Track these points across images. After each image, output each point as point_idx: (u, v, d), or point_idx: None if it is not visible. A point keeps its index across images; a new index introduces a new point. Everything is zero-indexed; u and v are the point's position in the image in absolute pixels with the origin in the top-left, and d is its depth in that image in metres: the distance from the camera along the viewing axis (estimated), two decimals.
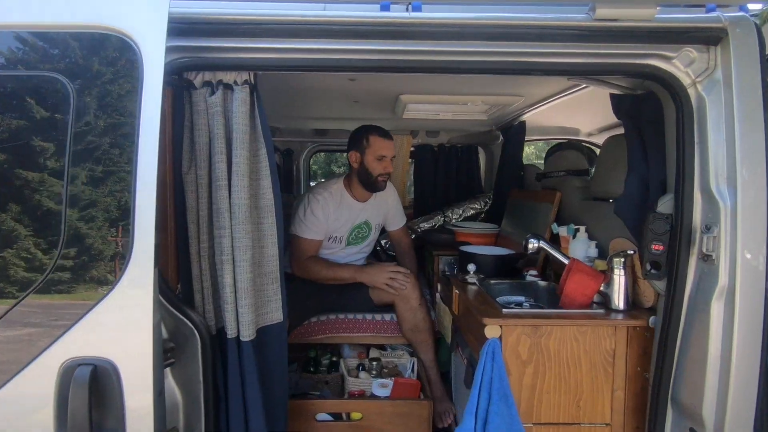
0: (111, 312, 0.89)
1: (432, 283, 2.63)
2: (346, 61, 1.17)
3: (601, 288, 1.41)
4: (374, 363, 2.23)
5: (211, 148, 1.22)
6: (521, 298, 1.70)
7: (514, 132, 2.73)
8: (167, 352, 1.14)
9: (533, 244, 1.53)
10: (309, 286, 2.21)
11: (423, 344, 2.20)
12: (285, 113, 2.62)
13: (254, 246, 1.29)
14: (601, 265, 1.50)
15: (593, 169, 1.99)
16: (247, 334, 1.22)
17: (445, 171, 3.29)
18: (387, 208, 2.42)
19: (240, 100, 1.22)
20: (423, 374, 2.23)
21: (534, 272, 1.81)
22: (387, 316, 2.28)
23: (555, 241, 1.90)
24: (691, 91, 1.16)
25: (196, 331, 1.19)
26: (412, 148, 3.26)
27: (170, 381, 1.19)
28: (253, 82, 1.25)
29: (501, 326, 1.31)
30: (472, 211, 3.14)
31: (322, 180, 2.43)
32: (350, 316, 2.27)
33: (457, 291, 1.77)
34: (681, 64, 1.16)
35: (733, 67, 1.10)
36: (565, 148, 2.07)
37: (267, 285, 1.34)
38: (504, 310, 1.36)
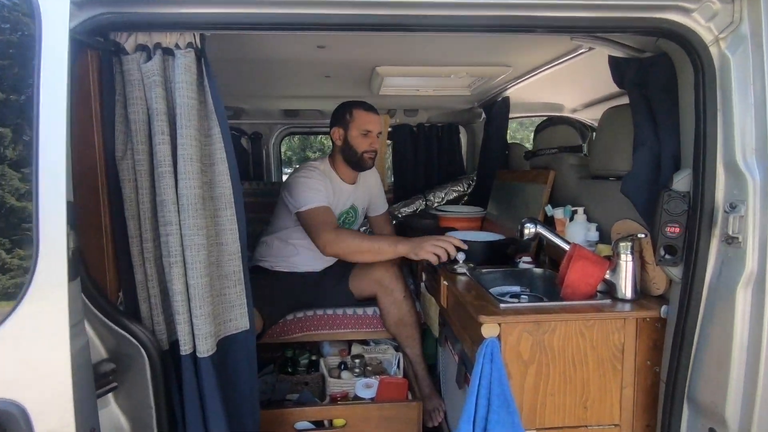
0: (11, 341, 0.68)
1: (416, 272, 2.47)
2: (311, 18, 0.96)
3: (606, 275, 1.28)
4: (357, 361, 2.07)
5: (151, 128, 1.00)
6: (516, 288, 1.55)
7: (497, 108, 2.57)
8: (106, 376, 0.94)
9: (530, 229, 1.38)
10: (282, 281, 2.02)
11: (409, 339, 2.05)
12: (249, 91, 2.37)
13: (210, 243, 1.09)
14: (604, 249, 1.37)
15: (585, 145, 1.85)
16: (205, 349, 1.02)
17: (426, 152, 3.11)
18: (371, 192, 2.24)
19: (183, 67, 1.00)
20: (410, 370, 2.09)
21: (527, 259, 1.67)
22: (369, 310, 2.11)
23: (549, 224, 1.76)
24: (713, 50, 1.01)
25: (142, 348, 0.99)
26: (389, 129, 3.06)
27: (113, 410, 1.00)
28: (199, 45, 1.03)
29: (499, 324, 1.16)
30: (454, 194, 2.99)
31: (296, 166, 2.12)
32: (329, 311, 2.10)
33: (445, 282, 1.62)
34: (701, 18, 1.00)
35: (763, 20, 0.95)
36: (556, 123, 1.92)
37: (229, 288, 1.15)
38: (502, 306, 1.21)
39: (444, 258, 1.58)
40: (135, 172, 1.02)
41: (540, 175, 1.79)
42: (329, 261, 2.12)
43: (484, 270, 1.64)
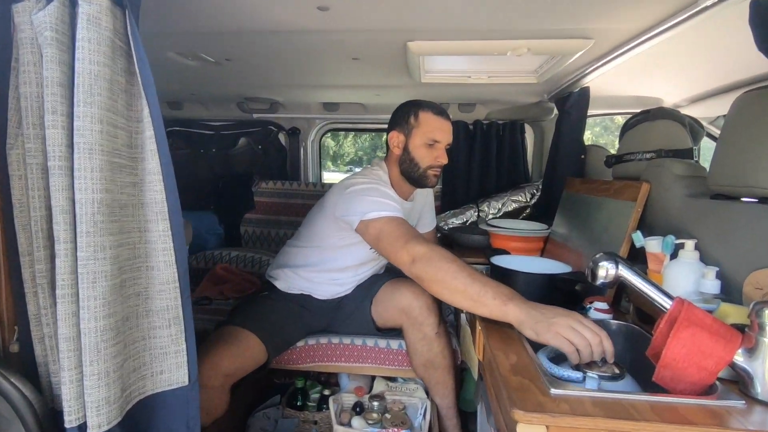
0: None
1: None
2: None
3: (736, 358, 0.79)
4: (375, 403, 1.70)
5: (43, 104, 0.72)
6: None
7: (573, 101, 2.05)
8: None
9: (607, 271, 0.91)
10: (294, 303, 1.71)
11: (439, 386, 1.64)
12: (279, 81, 2.10)
13: (132, 268, 0.79)
14: (731, 312, 0.87)
15: (697, 149, 1.31)
16: (98, 423, 0.71)
17: (482, 154, 2.65)
18: (422, 206, 1.86)
19: (88, 19, 0.70)
20: (438, 423, 1.68)
21: (603, 305, 1.18)
22: (394, 343, 1.74)
23: (636, 258, 1.26)
24: None
25: (20, 409, 0.70)
26: None
27: None
28: None
29: (547, 427, 0.73)
30: (514, 205, 2.50)
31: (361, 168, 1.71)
32: (346, 340, 1.75)
33: (480, 326, 1.20)
34: None
35: None
36: (655, 117, 1.39)
37: (159, 330, 0.83)
38: (553, 391, 0.77)
39: (587, 357, 0.93)
40: (25, 167, 0.74)
41: (627, 189, 1.29)
42: (349, 288, 1.77)
43: None
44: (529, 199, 2.50)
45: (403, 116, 1.56)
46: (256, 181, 2.75)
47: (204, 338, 1.48)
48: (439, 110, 1.55)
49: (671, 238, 1.05)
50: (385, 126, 1.63)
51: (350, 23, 1.22)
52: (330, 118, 2.82)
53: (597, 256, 0.91)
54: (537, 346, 1.04)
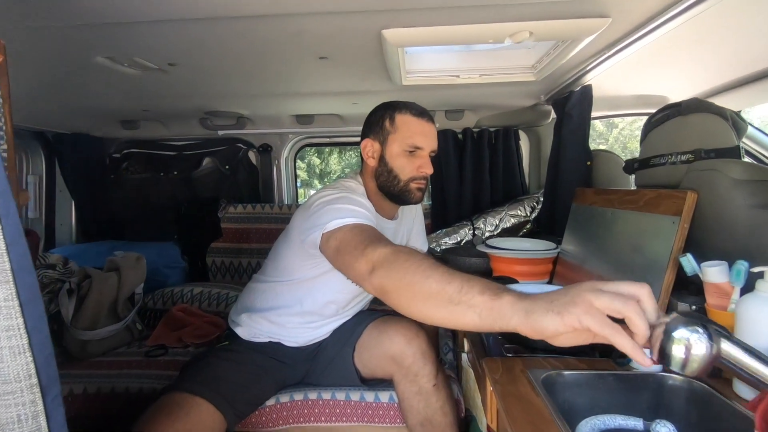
0: None
1: (456, 335, 1.76)
2: None
3: None
4: None
5: None
6: (630, 423, 0.80)
7: (575, 102, 1.81)
8: None
9: (693, 348, 0.50)
10: (261, 353, 1.40)
11: None
12: (243, 90, 1.83)
13: None
14: None
15: (742, 146, 1.06)
16: None
17: (474, 165, 2.39)
18: (410, 226, 1.58)
19: None
20: None
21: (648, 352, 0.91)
22: (384, 395, 1.44)
23: (683, 285, 0.99)
24: None
25: None
26: None
27: None
28: None
29: None
30: (513, 220, 2.24)
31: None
32: (326, 394, 1.45)
33: (491, 386, 0.92)
34: None
35: None
36: (686, 111, 1.15)
37: None
38: None
39: (644, 330, 0.54)
40: None
41: (665, 199, 1.03)
42: (328, 330, 1.48)
43: (565, 372, 0.91)
44: (529, 213, 2.24)
45: (377, 121, 1.30)
46: (222, 206, 2.45)
47: (148, 404, 1.17)
48: (420, 111, 1.29)
49: (743, 265, 0.79)
50: None
51: (309, 3, 0.95)
52: (304, 132, 2.54)
53: (671, 319, 0.53)
54: (573, 422, 0.76)
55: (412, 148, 1.27)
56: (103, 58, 1.38)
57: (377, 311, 1.56)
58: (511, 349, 1.13)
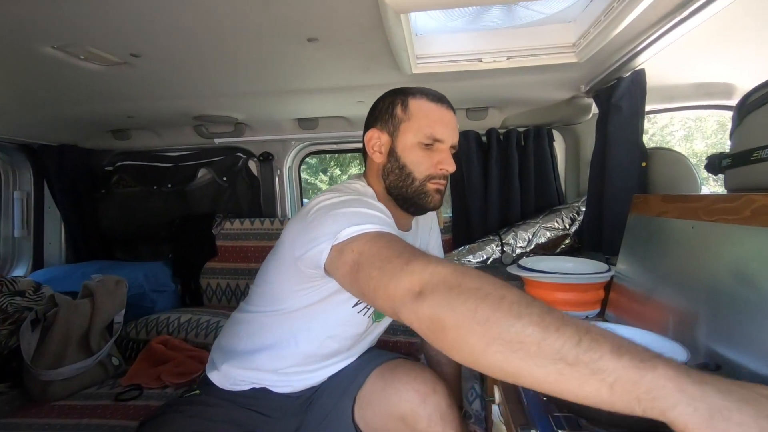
0: None
1: (485, 378, 1.44)
2: None
3: None
4: None
5: None
6: None
7: (624, 92, 1.49)
8: None
9: None
10: (234, 407, 1.12)
11: None
12: (231, 87, 1.59)
13: None
14: None
15: None
16: None
17: (501, 171, 2.08)
18: (427, 235, 1.30)
19: None
20: None
21: None
22: None
23: None
24: None
25: None
26: None
27: None
28: None
29: None
30: (548, 234, 1.91)
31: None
32: None
33: None
34: None
35: None
36: None
37: None
38: None
39: None
40: None
41: None
42: (327, 374, 1.19)
43: None
44: (567, 226, 1.91)
45: (386, 107, 1.03)
46: (218, 222, 2.21)
47: None
48: (438, 97, 1.02)
49: None
50: None
51: None
52: (309, 138, 2.29)
53: None
54: None
55: (429, 140, 1.00)
56: (52, 48, 1.15)
57: (384, 352, 1.26)
58: (562, 418, 0.81)
